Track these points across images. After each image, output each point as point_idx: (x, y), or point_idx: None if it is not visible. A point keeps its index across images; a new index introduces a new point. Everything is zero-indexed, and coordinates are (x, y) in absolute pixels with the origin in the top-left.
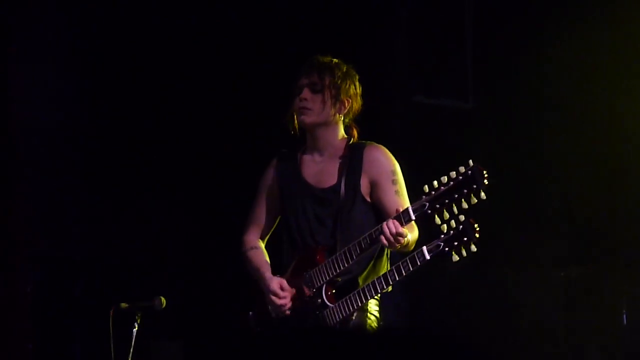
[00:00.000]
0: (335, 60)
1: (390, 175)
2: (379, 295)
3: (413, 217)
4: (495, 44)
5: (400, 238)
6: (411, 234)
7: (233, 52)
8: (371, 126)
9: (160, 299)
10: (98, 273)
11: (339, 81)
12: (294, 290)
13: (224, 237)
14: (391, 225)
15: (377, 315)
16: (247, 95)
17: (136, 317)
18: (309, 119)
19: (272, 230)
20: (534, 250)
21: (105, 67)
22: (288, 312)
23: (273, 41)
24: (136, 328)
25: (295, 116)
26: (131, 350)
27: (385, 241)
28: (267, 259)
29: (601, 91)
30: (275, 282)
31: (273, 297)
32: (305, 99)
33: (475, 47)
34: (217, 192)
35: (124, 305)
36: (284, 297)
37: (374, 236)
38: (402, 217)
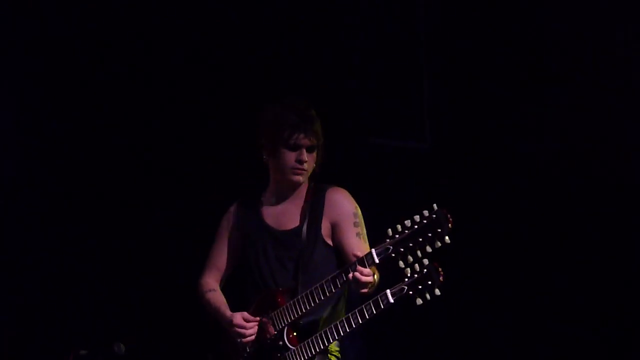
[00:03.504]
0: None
1: (351, 217)
2: (341, 337)
3: (377, 260)
4: (452, 82)
5: (369, 278)
6: (375, 275)
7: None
8: (329, 169)
9: (120, 344)
10: (55, 319)
11: (323, 138)
12: (257, 321)
13: (181, 281)
14: (361, 268)
15: (339, 356)
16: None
17: None
18: (303, 179)
19: (229, 274)
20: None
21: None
22: (254, 344)
23: (227, 80)
24: None
25: (285, 172)
26: None
27: (358, 279)
28: (225, 301)
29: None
30: (238, 316)
31: (239, 330)
32: (305, 162)
33: (432, 87)
34: (176, 234)
35: (83, 352)
36: (250, 328)
37: (338, 279)
38: (366, 260)
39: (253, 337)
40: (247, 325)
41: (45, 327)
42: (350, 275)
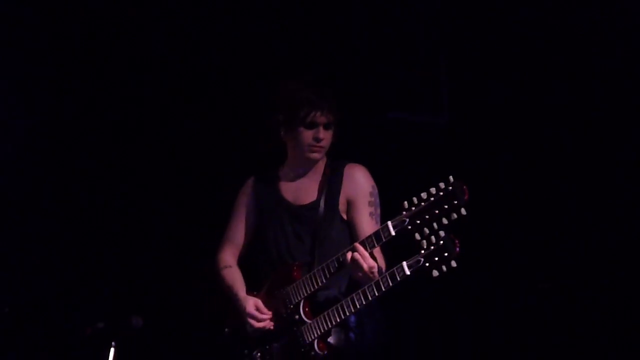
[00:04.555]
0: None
1: (367, 196)
2: (358, 310)
3: (393, 233)
4: (470, 56)
5: (366, 265)
6: (379, 262)
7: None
8: (347, 143)
9: (138, 317)
10: (74, 292)
11: (340, 115)
12: (270, 311)
13: (199, 255)
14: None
15: (356, 330)
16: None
17: (114, 337)
18: (320, 155)
19: (246, 248)
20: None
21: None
22: (266, 329)
23: (245, 56)
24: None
25: (302, 149)
26: None
27: (357, 260)
28: (241, 277)
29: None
30: (251, 304)
31: (250, 320)
32: (323, 139)
33: (450, 61)
34: (193, 210)
35: (100, 325)
36: (262, 320)
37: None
38: (382, 233)
39: (264, 326)
40: (258, 316)
41: (63, 301)
42: (349, 255)
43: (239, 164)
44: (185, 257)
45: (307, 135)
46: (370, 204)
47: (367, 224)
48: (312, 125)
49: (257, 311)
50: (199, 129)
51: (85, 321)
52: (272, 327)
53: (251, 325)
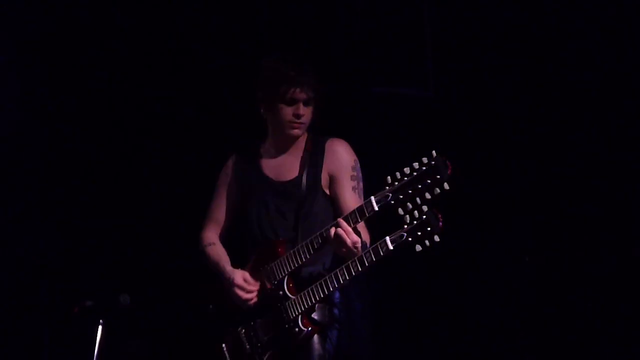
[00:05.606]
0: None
1: (349, 170)
2: (342, 285)
3: (376, 208)
4: (456, 29)
5: (349, 240)
6: (363, 237)
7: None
8: (331, 118)
9: (126, 295)
10: (61, 271)
11: (321, 90)
12: (257, 284)
13: (183, 234)
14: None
15: (340, 306)
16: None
17: (102, 315)
18: (300, 132)
19: (229, 226)
20: (497, 240)
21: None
22: (252, 303)
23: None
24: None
25: (283, 126)
26: (96, 348)
27: (340, 235)
28: (226, 253)
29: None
30: (239, 276)
31: (238, 291)
32: (303, 115)
33: (435, 34)
34: (175, 188)
35: (88, 303)
36: (250, 291)
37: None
38: (365, 208)
39: (253, 297)
40: (246, 287)
41: (51, 279)
42: (332, 231)
43: (221, 141)
44: (171, 235)
45: (287, 111)
46: (352, 178)
47: (350, 199)
48: (292, 102)
49: (245, 282)
50: (182, 106)
51: (73, 299)
52: (257, 303)
53: (239, 297)
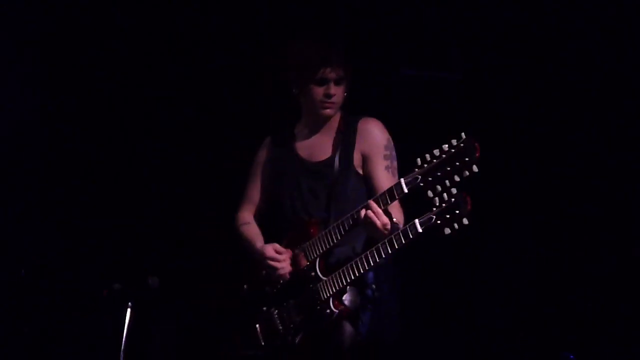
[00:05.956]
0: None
1: (382, 149)
2: (372, 268)
3: (406, 190)
4: (483, 12)
5: (379, 222)
6: (397, 218)
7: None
8: (360, 100)
9: (155, 278)
10: (90, 254)
11: (351, 68)
12: (290, 252)
13: (217, 215)
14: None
15: (372, 287)
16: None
17: (130, 298)
18: (333, 111)
19: (264, 206)
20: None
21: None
22: (288, 276)
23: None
24: (130, 309)
25: (315, 106)
26: (125, 330)
27: (370, 217)
28: (260, 233)
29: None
30: (269, 248)
31: (271, 262)
32: (334, 95)
33: (463, 17)
34: (210, 170)
35: (117, 286)
36: (283, 260)
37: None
38: (395, 190)
39: (286, 268)
40: (278, 257)
41: (80, 263)
42: (363, 212)
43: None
44: (202, 217)
45: (318, 91)
46: (385, 157)
47: (384, 178)
48: (323, 82)
49: (276, 253)
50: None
51: (101, 282)
52: (289, 283)
53: (272, 268)
